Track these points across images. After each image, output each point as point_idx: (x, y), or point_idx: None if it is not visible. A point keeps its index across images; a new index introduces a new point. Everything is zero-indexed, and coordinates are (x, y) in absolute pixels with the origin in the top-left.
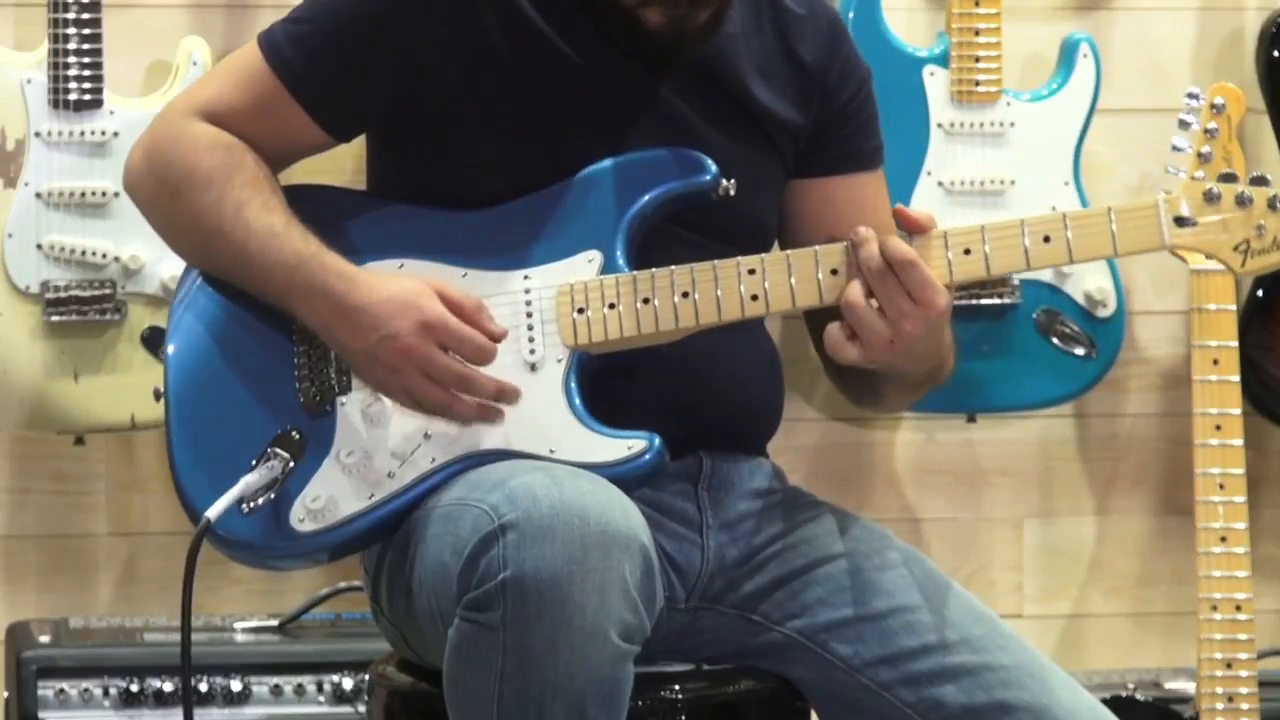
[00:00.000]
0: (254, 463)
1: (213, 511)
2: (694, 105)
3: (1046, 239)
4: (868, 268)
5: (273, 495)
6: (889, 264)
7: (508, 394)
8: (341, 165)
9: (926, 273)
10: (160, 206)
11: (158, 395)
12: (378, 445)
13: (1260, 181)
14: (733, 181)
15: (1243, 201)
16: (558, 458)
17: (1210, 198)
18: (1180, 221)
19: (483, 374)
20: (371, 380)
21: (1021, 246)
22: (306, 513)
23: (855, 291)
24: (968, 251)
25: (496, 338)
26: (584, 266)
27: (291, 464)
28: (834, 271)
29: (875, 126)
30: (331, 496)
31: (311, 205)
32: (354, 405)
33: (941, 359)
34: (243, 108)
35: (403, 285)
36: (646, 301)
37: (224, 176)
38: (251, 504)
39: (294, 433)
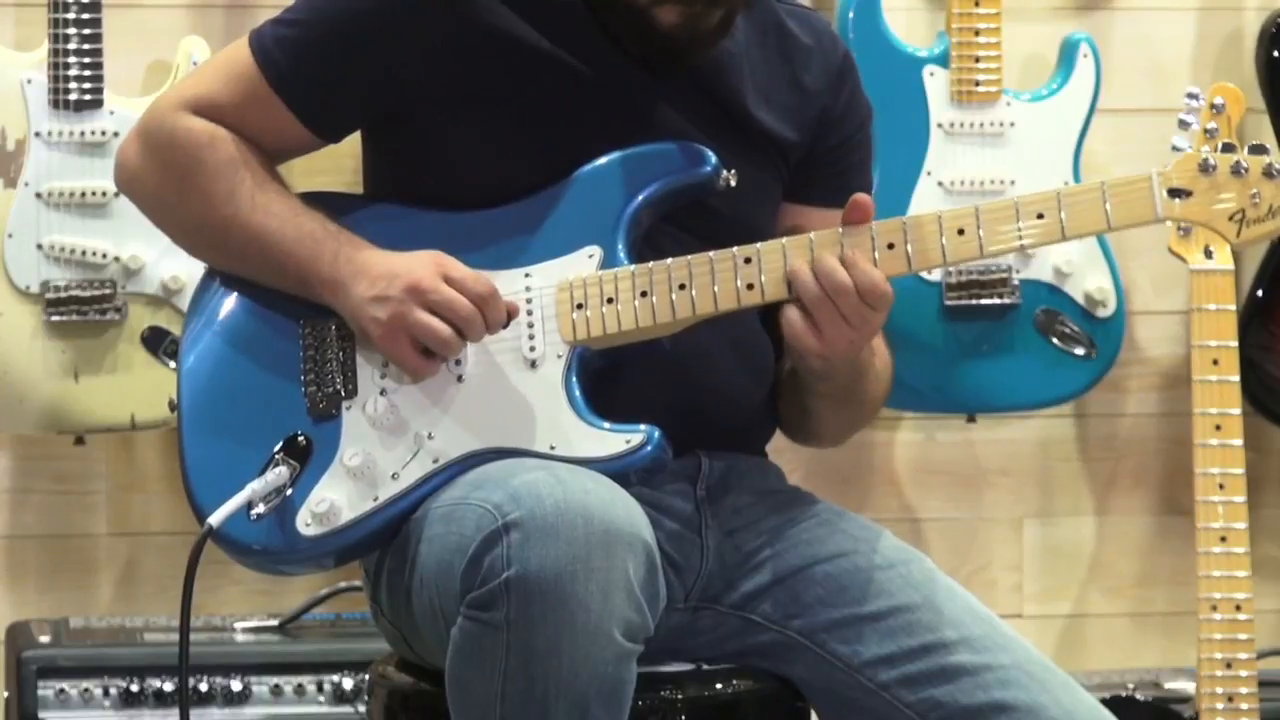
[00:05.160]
0: (261, 468)
1: (215, 518)
2: (693, 119)
3: (1040, 215)
4: (832, 285)
5: (280, 501)
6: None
7: (515, 315)
8: (341, 165)
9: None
10: (164, 202)
11: (172, 406)
12: (381, 447)
13: (1258, 150)
14: (734, 172)
15: (1238, 170)
16: (557, 454)
17: (1205, 168)
18: (1174, 193)
19: (481, 321)
20: (375, 329)
21: (1015, 224)
22: (312, 517)
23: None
24: (961, 232)
25: (508, 307)
26: (584, 262)
27: (298, 469)
28: None
29: (867, 168)
30: (336, 500)
31: (315, 208)
32: (358, 409)
33: (865, 363)
34: (231, 106)
35: (423, 251)
36: (644, 295)
37: (232, 168)
38: (259, 509)
39: (300, 438)
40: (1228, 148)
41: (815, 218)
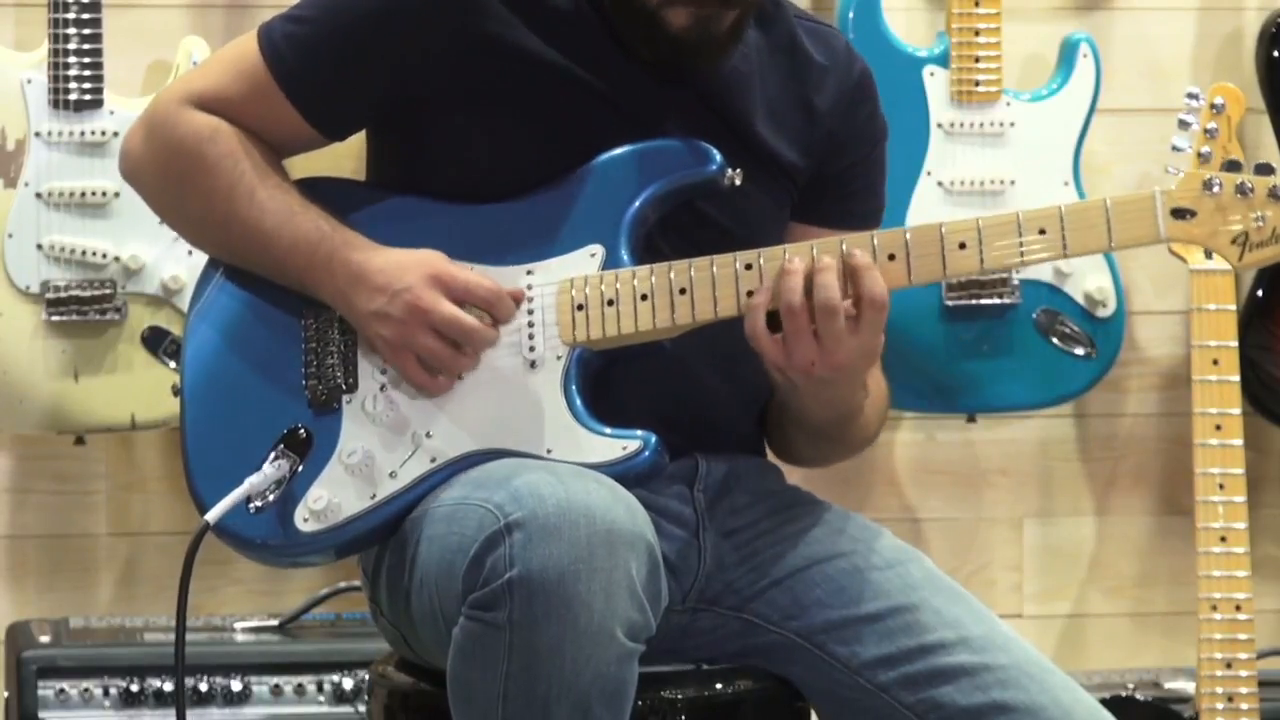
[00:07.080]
0: (262, 461)
1: (212, 514)
2: (699, 133)
3: (1042, 231)
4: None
5: (279, 494)
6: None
7: (520, 302)
8: (341, 167)
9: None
10: (167, 195)
11: (175, 391)
12: (380, 444)
13: (1265, 170)
14: (739, 170)
15: (1243, 191)
16: (554, 457)
17: (1209, 187)
18: (1177, 214)
19: (490, 330)
20: (381, 344)
21: (1016, 240)
22: (310, 513)
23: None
24: (963, 246)
25: (512, 294)
26: (586, 261)
27: (298, 463)
28: None
29: (879, 189)
30: (334, 497)
31: (317, 198)
32: (358, 404)
33: (851, 410)
34: (238, 101)
35: (418, 250)
36: (645, 298)
37: (231, 163)
38: (260, 503)
39: (301, 431)
40: (1233, 165)
41: (822, 238)
